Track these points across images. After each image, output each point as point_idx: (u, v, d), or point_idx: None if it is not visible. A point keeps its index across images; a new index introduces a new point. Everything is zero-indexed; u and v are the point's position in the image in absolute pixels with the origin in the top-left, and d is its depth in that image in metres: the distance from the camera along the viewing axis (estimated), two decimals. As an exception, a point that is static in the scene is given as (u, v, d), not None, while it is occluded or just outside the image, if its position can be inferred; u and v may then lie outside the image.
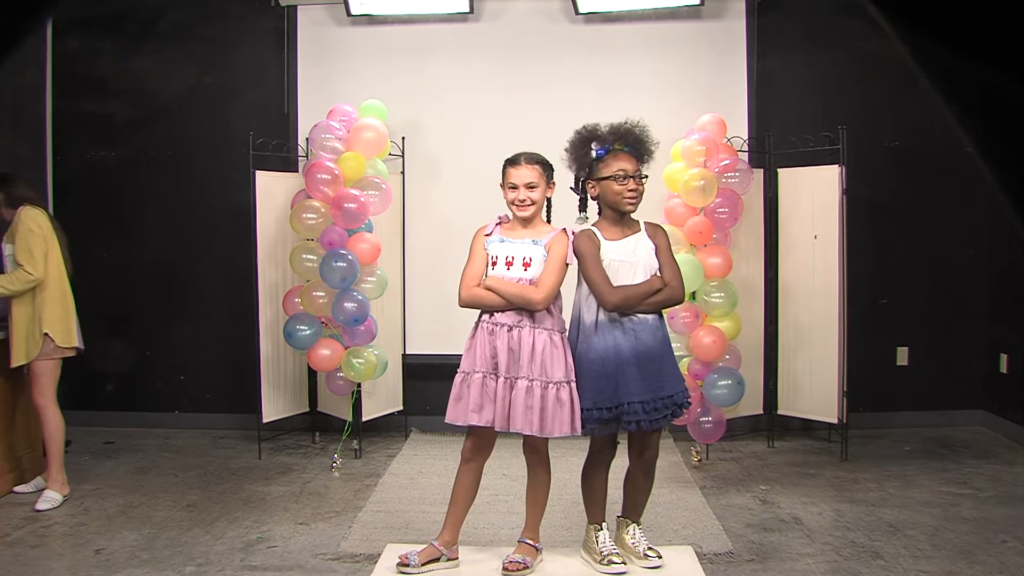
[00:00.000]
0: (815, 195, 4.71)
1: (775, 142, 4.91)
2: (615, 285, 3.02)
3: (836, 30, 5.04)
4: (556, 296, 3.06)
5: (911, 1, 0.63)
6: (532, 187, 3.06)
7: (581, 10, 5.00)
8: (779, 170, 4.93)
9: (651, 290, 3.05)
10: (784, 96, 5.15)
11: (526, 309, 3.01)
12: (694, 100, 4.94)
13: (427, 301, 5.14)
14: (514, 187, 3.08)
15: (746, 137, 4.90)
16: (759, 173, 4.82)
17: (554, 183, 3.15)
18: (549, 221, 3.18)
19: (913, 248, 5.25)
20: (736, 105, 5.00)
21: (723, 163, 4.49)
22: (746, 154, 4.77)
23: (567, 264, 3.07)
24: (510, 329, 3.01)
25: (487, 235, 3.14)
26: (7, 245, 3.99)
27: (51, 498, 3.92)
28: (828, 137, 4.61)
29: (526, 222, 3.11)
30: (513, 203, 3.09)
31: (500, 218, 3.19)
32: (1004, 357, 5.06)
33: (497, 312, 3.03)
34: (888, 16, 0.63)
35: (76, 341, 4.02)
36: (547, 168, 3.12)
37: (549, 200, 3.17)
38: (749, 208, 4.66)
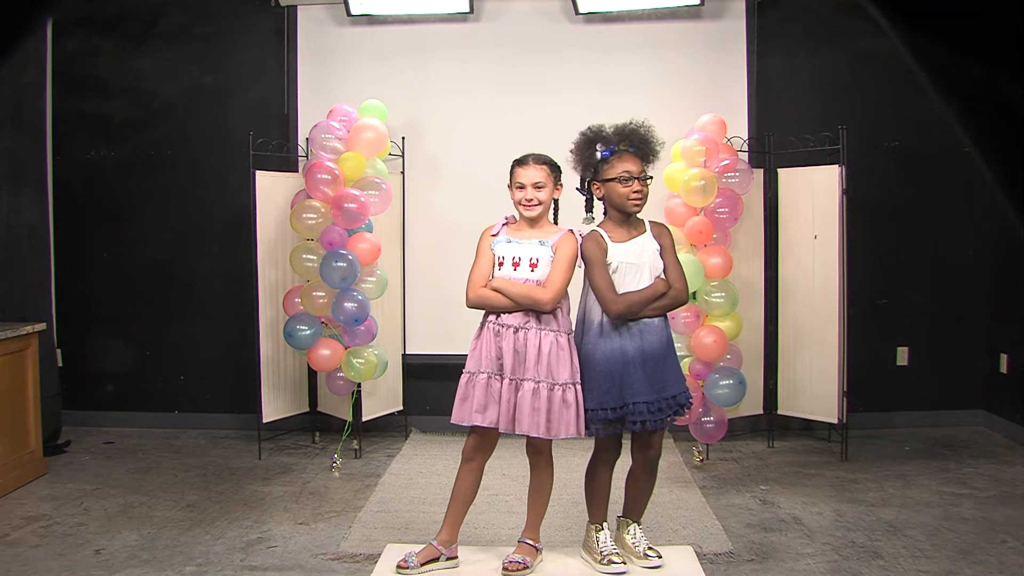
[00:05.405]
0: (815, 195, 4.71)
1: (775, 142, 4.90)
2: (621, 287, 3.02)
3: (836, 30, 5.04)
4: (563, 297, 3.06)
5: (911, 1, 0.63)
6: (539, 187, 3.06)
7: (581, 10, 4.99)
8: (779, 170, 4.93)
9: (655, 294, 3.04)
10: (784, 96, 5.15)
11: (533, 310, 3.01)
12: (694, 100, 4.93)
13: (427, 301, 5.14)
14: (521, 187, 3.08)
15: (746, 137, 4.90)
16: (759, 173, 4.82)
17: (561, 185, 3.15)
18: (556, 223, 3.19)
19: (913, 248, 5.25)
20: (736, 105, 5.00)
21: (723, 163, 4.49)
22: (746, 154, 4.77)
23: (575, 265, 3.07)
24: (516, 331, 3.00)
25: (494, 235, 3.14)
26: None
27: None
28: (828, 137, 4.61)
29: (533, 222, 3.11)
30: (520, 203, 3.09)
31: (507, 218, 3.19)
32: (1004, 357, 5.06)
33: (503, 313, 3.04)
34: (887, 15, 0.64)
35: None
36: (555, 169, 3.12)
37: (556, 202, 3.17)
38: (749, 208, 4.66)
